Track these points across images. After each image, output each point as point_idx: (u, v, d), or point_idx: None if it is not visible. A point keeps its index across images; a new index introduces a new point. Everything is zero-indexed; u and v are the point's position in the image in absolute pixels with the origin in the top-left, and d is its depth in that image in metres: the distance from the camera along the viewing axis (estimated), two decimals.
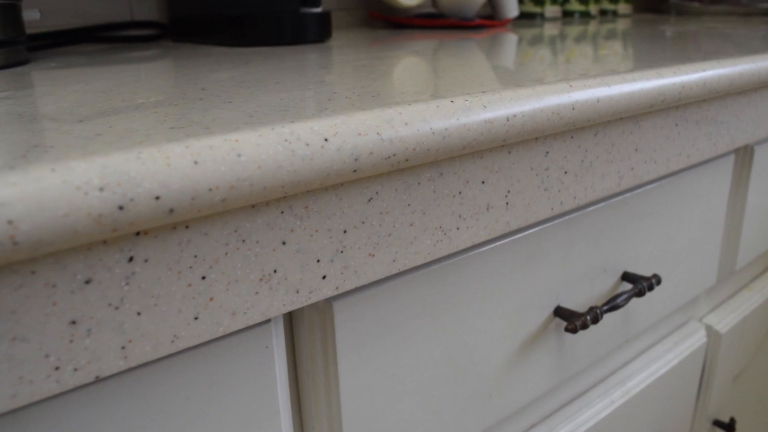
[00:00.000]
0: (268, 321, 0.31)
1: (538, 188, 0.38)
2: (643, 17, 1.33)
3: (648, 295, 0.57)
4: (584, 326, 0.45)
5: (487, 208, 0.36)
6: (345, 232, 0.30)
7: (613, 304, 0.48)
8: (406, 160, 0.28)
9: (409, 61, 0.48)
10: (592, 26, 0.98)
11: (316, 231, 0.29)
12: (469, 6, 0.94)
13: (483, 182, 0.35)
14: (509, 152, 0.36)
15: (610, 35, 0.76)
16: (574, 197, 0.41)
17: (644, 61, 0.46)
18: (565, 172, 0.40)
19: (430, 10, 1.15)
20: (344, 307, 0.34)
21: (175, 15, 0.75)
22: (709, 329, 0.72)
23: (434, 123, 0.29)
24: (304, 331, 0.36)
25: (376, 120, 0.27)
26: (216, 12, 0.67)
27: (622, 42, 0.65)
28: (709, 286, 0.67)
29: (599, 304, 0.51)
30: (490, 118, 0.31)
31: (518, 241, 0.41)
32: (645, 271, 0.55)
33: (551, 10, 1.22)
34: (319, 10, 0.73)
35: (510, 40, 0.69)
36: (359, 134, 0.26)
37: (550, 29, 0.91)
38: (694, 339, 0.68)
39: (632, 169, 0.46)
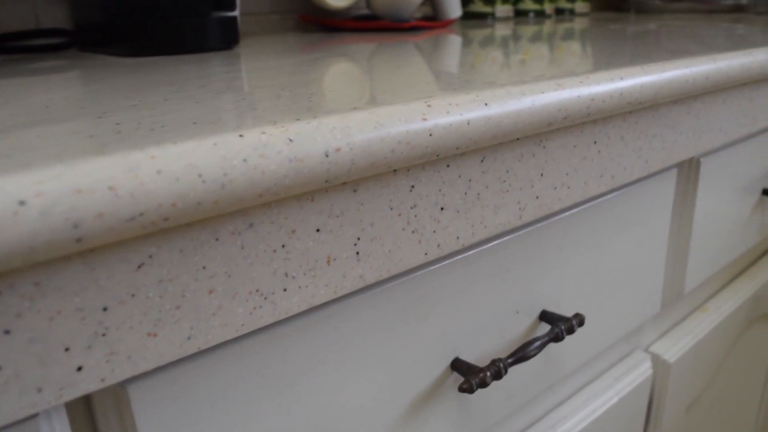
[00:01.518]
0: (35, 416, 0.24)
1: (403, 231, 0.31)
2: (600, 16, 1.27)
3: (580, 330, 0.50)
4: (483, 384, 0.38)
5: (328, 261, 0.28)
6: (105, 309, 0.23)
7: (520, 355, 0.41)
8: (165, 220, 0.21)
9: (261, 75, 0.40)
10: (542, 26, 0.91)
11: (58, 312, 0.22)
12: (403, 6, 0.87)
13: (318, 230, 0.27)
14: (354, 191, 0.28)
15: (551, 36, 0.69)
16: (457, 237, 0.34)
17: (561, 68, 0.39)
18: (442, 209, 0.32)
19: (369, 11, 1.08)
20: (144, 390, 0.26)
21: (78, 22, 0.67)
22: (655, 359, 0.65)
23: (206, 167, 0.21)
24: (102, 422, 0.28)
25: (112, 170, 0.20)
26: (115, 19, 0.59)
27: (555, 44, 0.58)
28: (652, 315, 0.60)
29: (512, 351, 0.44)
30: (299, 155, 0.23)
31: (399, 286, 0.34)
32: (571, 307, 0.48)
33: (502, 9, 1.15)
34: (234, 14, 0.65)
35: (436, 43, 0.62)
36: (79, 191, 0.19)
37: (497, 30, 0.84)
38: (639, 372, 0.61)
39: (537, 197, 0.39)
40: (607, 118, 0.42)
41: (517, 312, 0.43)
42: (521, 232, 0.41)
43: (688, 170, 0.60)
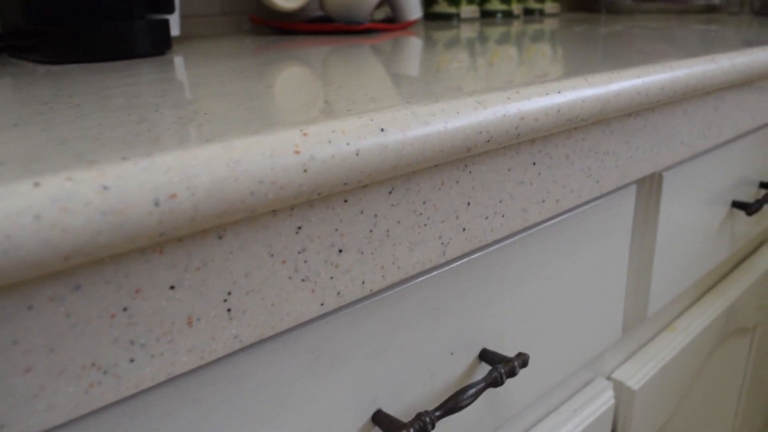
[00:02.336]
0: None
1: (289, 280, 0.26)
2: (570, 17, 1.23)
3: (531, 365, 0.46)
4: None
5: (190, 323, 0.24)
6: None
7: (451, 405, 0.36)
8: None
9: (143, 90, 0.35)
10: (506, 28, 0.86)
11: None
12: (357, 8, 0.83)
13: (172, 287, 0.23)
14: (220, 237, 0.23)
15: (506, 40, 0.65)
16: (363, 282, 0.29)
17: (494, 80, 0.34)
18: (340, 251, 0.28)
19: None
20: None
21: (5, 27, 0.62)
22: (618, 387, 0.61)
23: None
24: None
25: None
26: (36, 23, 0.54)
27: (504, 49, 0.54)
28: (613, 341, 0.56)
29: (445, 398, 0.39)
30: (116, 206, 0.19)
31: (302, 335, 0.30)
32: (517, 342, 0.44)
33: (468, 10, 1.11)
34: (166, 17, 0.61)
35: (382, 48, 0.57)
36: None
37: (458, 32, 0.79)
38: (600, 402, 0.57)
39: (465, 229, 0.34)
40: (549, 136, 0.38)
41: (452, 353, 0.39)
42: (453, 264, 0.37)
43: (650, 186, 0.56)
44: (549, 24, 0.97)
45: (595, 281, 0.50)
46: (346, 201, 0.27)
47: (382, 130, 0.25)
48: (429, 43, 0.63)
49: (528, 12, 1.24)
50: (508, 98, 0.31)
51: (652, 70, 0.42)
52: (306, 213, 0.26)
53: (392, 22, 0.93)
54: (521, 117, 0.32)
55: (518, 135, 0.32)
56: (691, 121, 0.52)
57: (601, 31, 0.77)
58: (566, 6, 1.43)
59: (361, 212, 0.28)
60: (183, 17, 0.88)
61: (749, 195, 0.74)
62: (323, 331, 0.31)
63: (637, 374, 0.62)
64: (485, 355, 0.41)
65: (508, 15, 1.17)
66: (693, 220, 0.62)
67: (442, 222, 0.32)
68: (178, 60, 0.52)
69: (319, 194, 0.24)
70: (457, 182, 0.33)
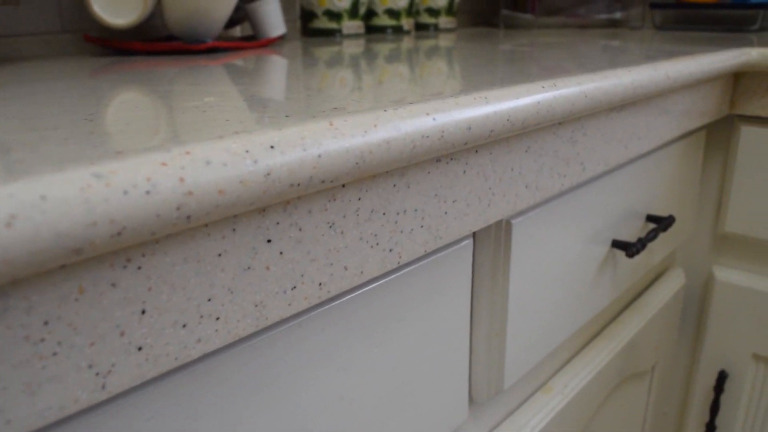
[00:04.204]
0: None
1: None
2: (467, 32, 1.15)
3: None
4: None
5: None
6: None
7: None
8: None
9: None
10: (383, 45, 0.77)
11: None
12: (201, 25, 0.72)
13: None
14: None
15: (357, 60, 0.55)
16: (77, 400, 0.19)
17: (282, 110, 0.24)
18: None
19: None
20: None
21: None
22: None
23: None
24: None
25: None
26: None
27: (333, 74, 0.44)
28: (460, 424, 0.47)
29: None
30: None
31: None
32: None
33: (351, 25, 1.02)
34: None
35: (208, 71, 0.47)
36: None
37: (329, 50, 0.69)
38: None
39: (200, 340, 0.24)
40: (330, 190, 0.28)
41: None
42: (217, 356, 0.27)
43: (496, 237, 0.47)
44: (441, 40, 0.88)
45: (421, 359, 0.41)
46: None
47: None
48: (280, 65, 0.53)
49: (422, 27, 1.15)
50: (247, 151, 0.22)
51: (445, 106, 0.33)
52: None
53: (254, 40, 0.83)
54: (289, 170, 0.22)
55: (252, 202, 0.22)
56: (535, 160, 0.44)
57: (486, 48, 0.68)
58: (467, 20, 1.36)
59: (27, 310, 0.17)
60: (12, 36, 0.75)
61: (636, 230, 0.67)
62: None
63: None
64: None
65: (398, 30, 1.09)
66: (559, 270, 0.53)
67: (184, 311, 0.22)
68: None
69: None
70: (197, 273, 0.22)
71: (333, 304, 0.34)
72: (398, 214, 0.33)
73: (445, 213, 0.36)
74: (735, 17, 1.05)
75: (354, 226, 0.31)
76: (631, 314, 0.75)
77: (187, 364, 0.28)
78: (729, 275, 0.84)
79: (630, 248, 0.60)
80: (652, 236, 0.63)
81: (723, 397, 0.87)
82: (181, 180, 0.21)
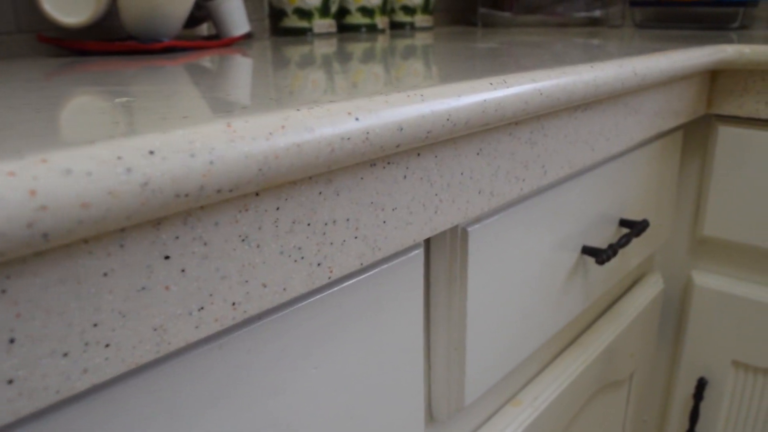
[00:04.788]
0: None
1: None
2: (444, 30, 1.13)
3: None
4: None
5: None
6: None
7: None
8: None
9: None
10: (362, 44, 0.74)
11: None
12: (157, 23, 0.69)
13: None
14: None
15: (315, 59, 0.53)
16: None
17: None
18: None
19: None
20: None
21: None
22: None
23: None
24: None
25: None
26: None
27: (306, 72, 0.41)
28: None
29: None
30: None
31: None
32: None
33: (322, 24, 0.99)
34: None
35: (157, 73, 0.44)
36: None
37: (295, 49, 0.66)
38: None
39: (87, 371, 0.21)
40: (217, 206, 0.25)
41: None
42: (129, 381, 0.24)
43: (452, 245, 0.44)
44: (416, 39, 0.85)
45: (371, 377, 0.38)
46: None
47: None
48: (232, 65, 0.50)
49: (397, 26, 1.13)
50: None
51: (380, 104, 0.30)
52: None
53: (213, 39, 0.80)
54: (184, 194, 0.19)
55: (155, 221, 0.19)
56: (489, 163, 0.41)
57: (456, 47, 0.66)
58: (444, 19, 1.33)
59: None
60: None
61: (610, 235, 0.64)
62: None
63: None
64: None
65: (372, 29, 1.06)
66: (523, 279, 0.51)
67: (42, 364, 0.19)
68: None
69: None
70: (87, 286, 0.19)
71: (259, 323, 0.31)
72: (326, 224, 0.30)
73: (384, 222, 0.33)
74: (715, 15, 1.03)
75: (272, 238, 0.28)
76: (608, 321, 0.72)
77: (82, 396, 0.25)
78: (708, 280, 0.81)
79: (600, 255, 0.57)
80: (624, 242, 0.60)
81: (703, 405, 0.85)
82: (32, 192, 0.18)
